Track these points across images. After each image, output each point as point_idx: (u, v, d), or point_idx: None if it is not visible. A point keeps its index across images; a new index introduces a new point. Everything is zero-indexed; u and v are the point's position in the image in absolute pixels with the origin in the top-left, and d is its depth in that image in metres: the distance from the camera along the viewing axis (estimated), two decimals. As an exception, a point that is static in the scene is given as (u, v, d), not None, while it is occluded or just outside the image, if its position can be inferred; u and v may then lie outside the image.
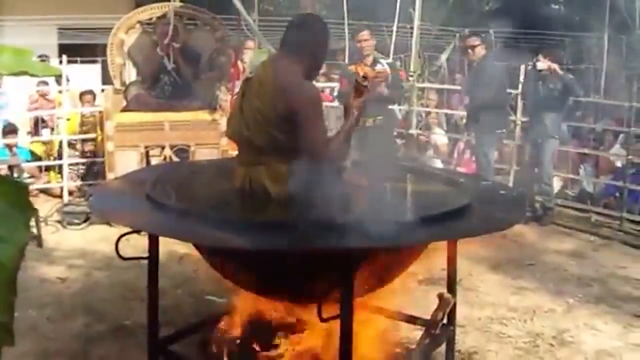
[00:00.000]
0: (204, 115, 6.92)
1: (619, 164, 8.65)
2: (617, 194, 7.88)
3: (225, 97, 7.17)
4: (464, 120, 7.50)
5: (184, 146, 6.80)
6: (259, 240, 2.62)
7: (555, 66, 7.11)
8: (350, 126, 3.22)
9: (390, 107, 7.19)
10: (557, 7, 22.76)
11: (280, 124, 3.02)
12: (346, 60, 10.18)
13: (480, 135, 7.26)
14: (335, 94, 8.51)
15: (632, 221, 7.28)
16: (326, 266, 2.76)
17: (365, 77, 3.37)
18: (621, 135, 9.29)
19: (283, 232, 2.67)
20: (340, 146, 3.14)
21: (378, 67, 6.61)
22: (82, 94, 9.30)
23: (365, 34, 6.68)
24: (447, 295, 3.53)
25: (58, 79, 8.22)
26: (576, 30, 16.87)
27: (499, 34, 11.85)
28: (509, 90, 7.65)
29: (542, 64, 7.10)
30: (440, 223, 2.85)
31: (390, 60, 7.36)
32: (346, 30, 11.80)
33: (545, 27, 15.21)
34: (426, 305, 4.16)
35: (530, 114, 7.63)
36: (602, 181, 8.46)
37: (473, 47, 7.22)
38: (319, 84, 8.78)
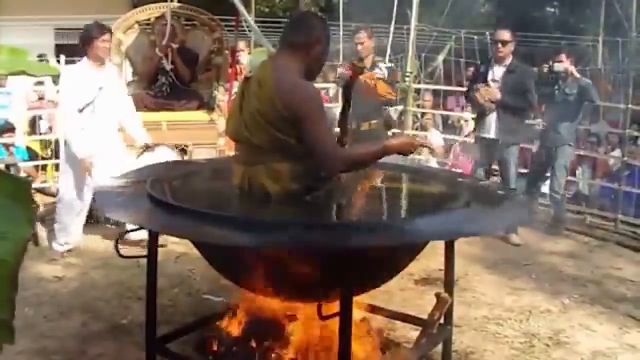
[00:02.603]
0: (201, 115, 6.94)
1: (614, 167, 8.71)
2: (612, 196, 7.91)
3: (223, 97, 7.18)
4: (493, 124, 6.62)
5: (182, 146, 6.82)
6: (259, 238, 2.63)
7: (572, 69, 6.76)
8: (371, 152, 3.18)
9: (384, 108, 7.04)
10: (552, 9, 22.83)
11: (279, 124, 3.02)
12: (340, 61, 10.16)
13: (511, 144, 6.67)
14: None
15: (627, 223, 7.31)
16: (325, 264, 2.78)
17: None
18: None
19: (282, 231, 2.68)
20: (352, 157, 3.16)
21: (376, 70, 6.49)
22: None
23: (361, 36, 6.46)
24: (444, 295, 3.54)
25: (55, 78, 8.23)
26: (571, 32, 16.92)
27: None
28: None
29: (560, 65, 6.73)
30: (438, 222, 2.87)
31: (389, 64, 7.13)
32: (341, 32, 11.81)
33: (541, 30, 15.25)
34: (423, 305, 4.19)
35: (545, 118, 7.22)
36: (597, 183, 8.50)
37: (504, 43, 6.56)
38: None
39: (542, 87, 6.94)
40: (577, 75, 6.79)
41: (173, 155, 6.01)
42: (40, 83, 9.88)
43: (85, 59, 5.76)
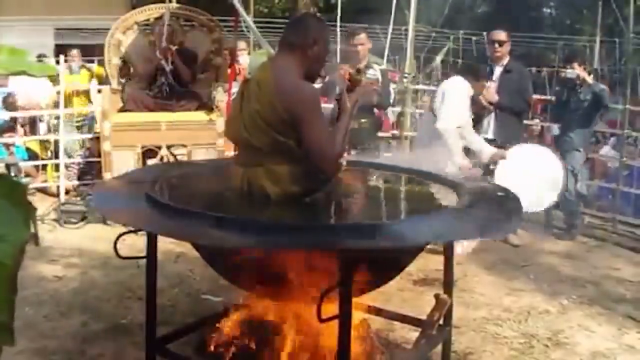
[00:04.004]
0: (200, 116, 6.95)
1: (609, 165, 8.72)
2: (610, 196, 7.92)
3: (222, 98, 7.19)
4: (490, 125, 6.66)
5: (181, 146, 6.84)
6: (258, 239, 2.63)
7: (585, 75, 6.73)
8: (347, 122, 3.22)
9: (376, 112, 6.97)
10: (548, 10, 22.87)
11: (279, 126, 3.03)
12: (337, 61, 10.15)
13: (509, 144, 6.55)
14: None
15: (625, 223, 7.33)
16: (325, 266, 2.79)
17: (359, 70, 3.39)
18: (612, 138, 9.37)
19: (282, 232, 2.69)
20: (340, 142, 3.15)
21: (370, 72, 6.46)
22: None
23: (362, 37, 6.43)
24: (443, 296, 3.55)
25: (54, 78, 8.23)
26: (568, 33, 16.96)
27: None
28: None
29: (572, 72, 6.72)
30: (436, 224, 2.88)
31: (383, 66, 7.08)
32: (338, 33, 11.82)
33: (538, 30, 15.28)
34: (421, 306, 4.20)
35: (560, 124, 7.24)
36: (596, 183, 8.51)
37: (501, 43, 6.60)
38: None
39: (558, 92, 6.93)
40: (590, 81, 6.77)
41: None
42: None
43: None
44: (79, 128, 8.50)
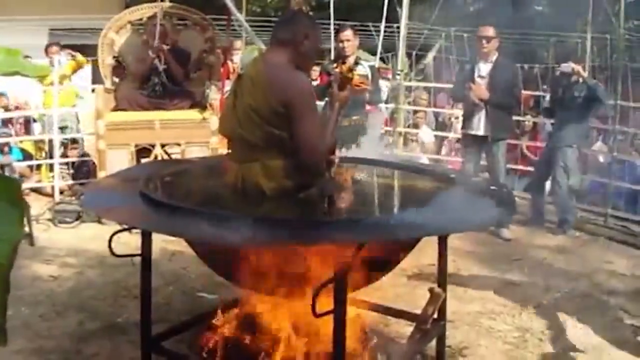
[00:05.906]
0: (194, 114, 6.96)
1: (601, 159, 8.76)
2: (601, 190, 7.96)
3: (215, 96, 7.20)
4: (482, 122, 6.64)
5: (175, 145, 6.86)
6: (252, 236, 2.65)
7: (580, 69, 6.76)
8: (335, 119, 3.25)
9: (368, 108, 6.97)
10: (540, 7, 22.88)
11: (273, 119, 3.04)
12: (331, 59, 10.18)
13: (499, 141, 6.69)
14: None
15: (617, 217, 7.36)
16: (319, 261, 2.81)
17: (350, 69, 3.42)
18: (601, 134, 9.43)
19: (276, 228, 2.70)
20: (328, 138, 3.17)
21: (359, 68, 6.46)
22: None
23: (347, 34, 6.45)
24: (437, 290, 3.56)
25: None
26: (559, 29, 16.97)
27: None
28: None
29: (567, 66, 6.74)
30: (431, 218, 2.90)
31: (372, 62, 7.07)
32: (332, 31, 11.84)
33: (529, 27, 15.29)
34: (416, 301, 4.22)
35: (554, 119, 7.27)
36: (588, 177, 8.55)
37: (488, 39, 6.57)
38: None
39: (552, 88, 6.95)
40: (585, 74, 6.80)
41: None
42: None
43: None
44: (62, 129, 8.41)
